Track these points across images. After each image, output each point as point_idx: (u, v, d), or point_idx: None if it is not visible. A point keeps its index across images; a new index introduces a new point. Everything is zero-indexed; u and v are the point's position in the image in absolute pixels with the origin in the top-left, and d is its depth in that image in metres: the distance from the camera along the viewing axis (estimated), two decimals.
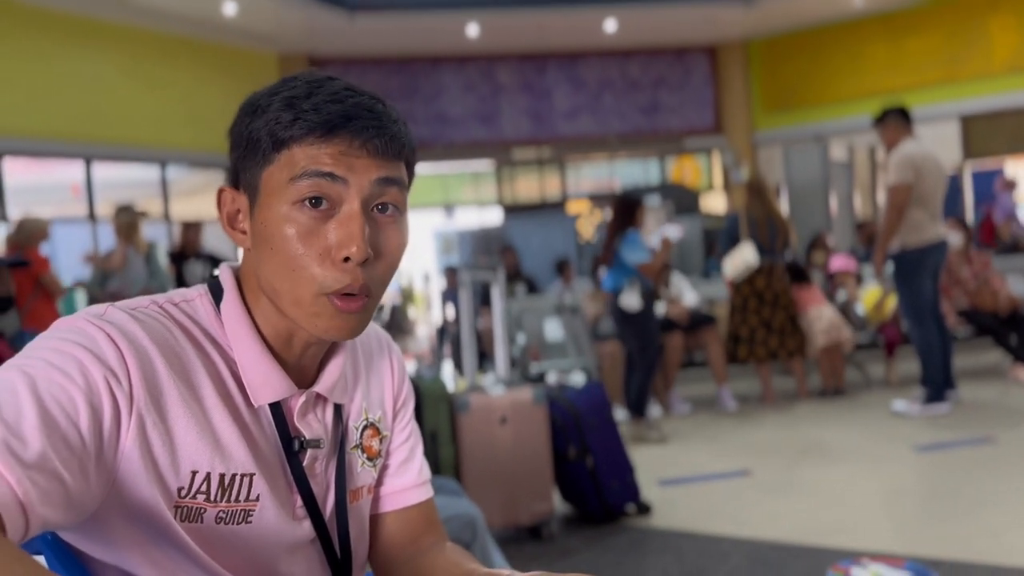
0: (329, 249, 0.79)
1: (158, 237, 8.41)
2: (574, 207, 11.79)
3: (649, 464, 4.28)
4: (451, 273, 8.35)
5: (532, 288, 7.40)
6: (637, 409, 4.98)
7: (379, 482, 0.99)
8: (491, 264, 3.53)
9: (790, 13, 11.44)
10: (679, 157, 12.94)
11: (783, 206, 9.22)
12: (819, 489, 3.79)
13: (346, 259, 0.79)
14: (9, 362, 0.75)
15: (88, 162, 8.86)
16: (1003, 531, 3.07)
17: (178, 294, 0.87)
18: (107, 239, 7.80)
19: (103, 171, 9.10)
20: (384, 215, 0.82)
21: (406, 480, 1.00)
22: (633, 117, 12.46)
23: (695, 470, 4.25)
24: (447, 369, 6.21)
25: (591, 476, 3.41)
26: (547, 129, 12.31)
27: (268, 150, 0.80)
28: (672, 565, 3.04)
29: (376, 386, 0.98)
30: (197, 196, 10.72)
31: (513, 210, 11.91)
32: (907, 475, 3.95)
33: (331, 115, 0.78)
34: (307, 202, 0.79)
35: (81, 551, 0.81)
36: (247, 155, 0.83)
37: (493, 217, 12.00)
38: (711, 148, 12.77)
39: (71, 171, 8.85)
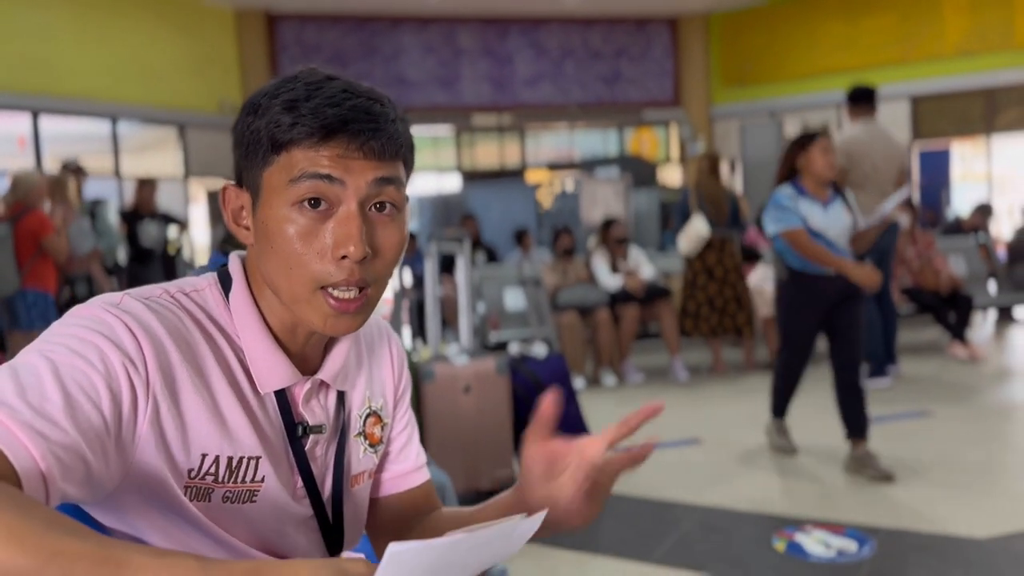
0: (327, 248, 0.83)
1: (108, 194, 8.21)
2: (534, 176, 11.81)
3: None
4: (410, 239, 8.33)
5: (492, 257, 7.44)
6: (774, 408, 4.00)
7: (381, 467, 1.05)
8: (458, 235, 3.57)
9: None
10: (637, 129, 13.03)
11: (738, 181, 9.39)
12: (766, 458, 3.96)
13: (343, 257, 0.82)
14: (29, 347, 0.78)
15: (35, 115, 8.58)
16: (937, 501, 3.26)
17: (188, 283, 0.90)
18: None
19: (51, 124, 8.83)
20: (381, 214, 0.85)
21: (406, 465, 1.06)
22: (594, 86, 12.48)
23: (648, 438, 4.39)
24: (405, 336, 6.25)
25: None
26: (508, 96, 12.27)
27: (268, 151, 0.83)
28: (627, 530, 3.16)
29: (378, 374, 1.02)
30: (149, 152, 10.47)
31: (472, 177, 11.89)
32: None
33: (328, 119, 0.80)
34: (306, 203, 0.82)
35: (93, 517, 0.85)
36: (248, 155, 0.85)
37: (452, 184, 11.96)
38: (669, 121, 12.88)
39: (17, 123, 8.57)
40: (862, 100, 5.19)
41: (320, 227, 0.83)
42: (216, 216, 10.08)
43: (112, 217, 6.00)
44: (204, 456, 0.83)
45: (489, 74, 12.18)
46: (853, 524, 3.04)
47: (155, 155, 10.51)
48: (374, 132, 0.82)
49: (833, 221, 3.58)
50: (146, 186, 6.64)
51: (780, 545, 2.89)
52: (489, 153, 12.82)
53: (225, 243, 0.98)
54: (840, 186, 3.71)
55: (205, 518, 0.84)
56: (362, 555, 0.68)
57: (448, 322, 5.95)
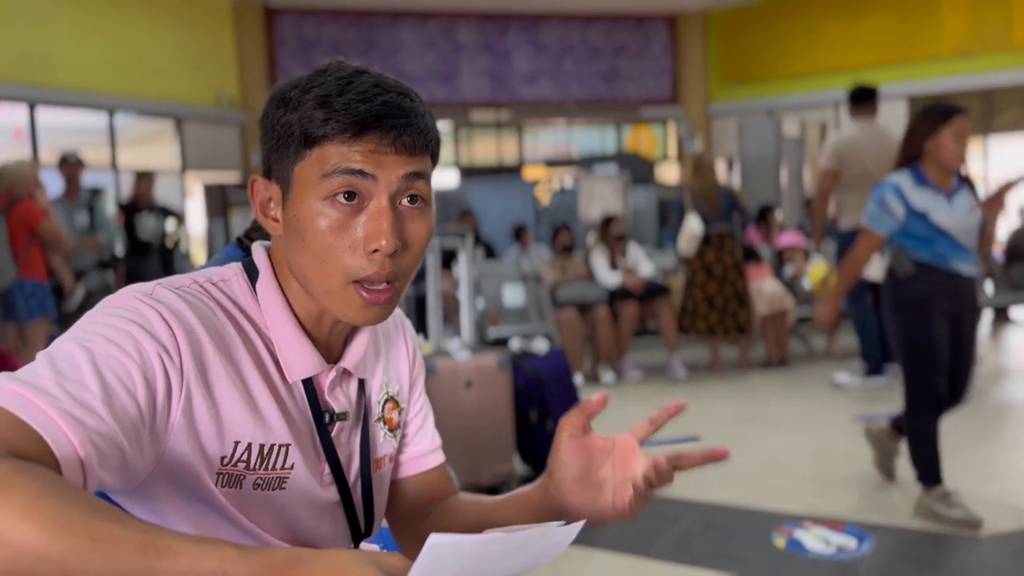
0: (359, 242, 0.84)
1: (105, 187, 8.19)
2: (532, 173, 11.81)
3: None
4: None
5: (490, 253, 7.45)
6: (923, 475, 3.09)
7: (398, 450, 1.07)
8: (460, 230, 3.57)
9: None
10: (635, 126, 13.03)
11: (736, 180, 9.40)
12: (764, 455, 3.97)
13: (375, 251, 0.83)
14: (65, 336, 0.79)
15: (32, 106, 8.55)
16: None
17: (215, 273, 0.91)
18: (50, 184, 7.57)
19: (48, 116, 8.80)
20: (411, 207, 0.86)
21: (422, 447, 1.08)
22: (592, 83, 12.48)
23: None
24: None
25: (550, 439, 3.50)
26: (506, 92, 12.26)
27: (300, 146, 0.84)
28: (626, 525, 3.17)
29: (394, 362, 1.04)
30: (145, 145, 10.45)
31: (470, 173, 11.89)
32: (846, 444, 4.15)
33: (361, 115, 0.81)
34: (338, 197, 0.83)
35: (120, 504, 0.86)
36: (279, 148, 0.86)
37: (450, 179, 11.96)
38: (667, 118, 12.89)
39: (14, 115, 8.53)
40: (863, 99, 5.20)
41: (351, 221, 0.84)
42: (213, 210, 10.05)
43: (110, 208, 5.97)
44: (237, 443, 0.84)
45: (488, 70, 12.17)
46: (852, 521, 3.05)
47: (152, 148, 10.49)
48: (405, 127, 0.83)
49: (959, 215, 2.97)
50: (144, 179, 6.61)
51: (780, 542, 2.90)
52: (487, 149, 12.81)
53: (247, 236, 0.97)
54: (968, 176, 3.10)
55: (234, 507, 0.85)
56: (398, 553, 0.68)
57: (446, 318, 5.95)
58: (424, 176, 0.87)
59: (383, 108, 0.82)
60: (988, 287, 7.22)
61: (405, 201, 0.86)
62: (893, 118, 11.17)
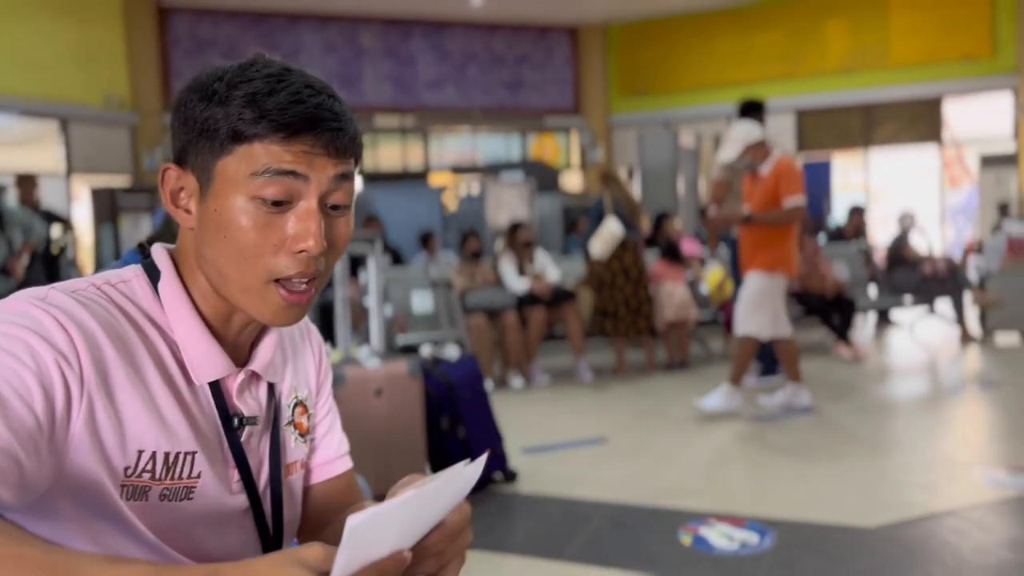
0: (285, 240, 0.82)
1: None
2: (438, 179, 11.79)
3: (514, 433, 4.44)
4: None
5: (396, 259, 7.39)
6: None
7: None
8: (369, 235, 3.53)
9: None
10: (539, 135, 13.20)
11: (635, 188, 9.64)
12: (668, 455, 4.08)
13: (301, 251, 0.82)
14: None
15: None
16: (827, 493, 3.44)
17: (114, 275, 0.87)
18: None
19: None
20: (335, 210, 0.86)
21: (329, 452, 1.05)
22: (496, 91, 12.57)
23: (556, 438, 4.45)
24: None
25: (462, 446, 3.51)
26: (410, 97, 12.21)
27: (226, 142, 0.82)
28: (538, 528, 3.20)
29: (302, 366, 1.02)
30: (27, 147, 9.89)
31: (375, 179, 11.77)
32: (745, 442, 4.32)
33: (295, 117, 0.81)
34: (266, 199, 0.81)
35: (17, 524, 0.81)
36: (199, 140, 0.83)
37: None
38: (570, 128, 13.11)
39: None
40: (751, 112, 5.44)
41: (278, 220, 0.82)
42: (101, 215, 9.58)
43: (11, 198, 5.55)
44: (140, 452, 0.81)
45: (391, 75, 12.10)
46: (753, 517, 3.17)
47: (34, 150, 9.94)
48: (338, 131, 0.83)
49: None
50: (26, 182, 6.28)
51: (686, 539, 2.99)
52: (392, 155, 12.71)
53: (149, 242, 0.93)
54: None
55: (140, 522, 0.81)
56: (317, 543, 0.67)
57: (352, 326, 5.86)
58: (350, 177, 0.86)
59: (316, 111, 0.82)
60: (872, 291, 7.65)
61: (330, 205, 0.85)
62: (781, 130, 11.74)
